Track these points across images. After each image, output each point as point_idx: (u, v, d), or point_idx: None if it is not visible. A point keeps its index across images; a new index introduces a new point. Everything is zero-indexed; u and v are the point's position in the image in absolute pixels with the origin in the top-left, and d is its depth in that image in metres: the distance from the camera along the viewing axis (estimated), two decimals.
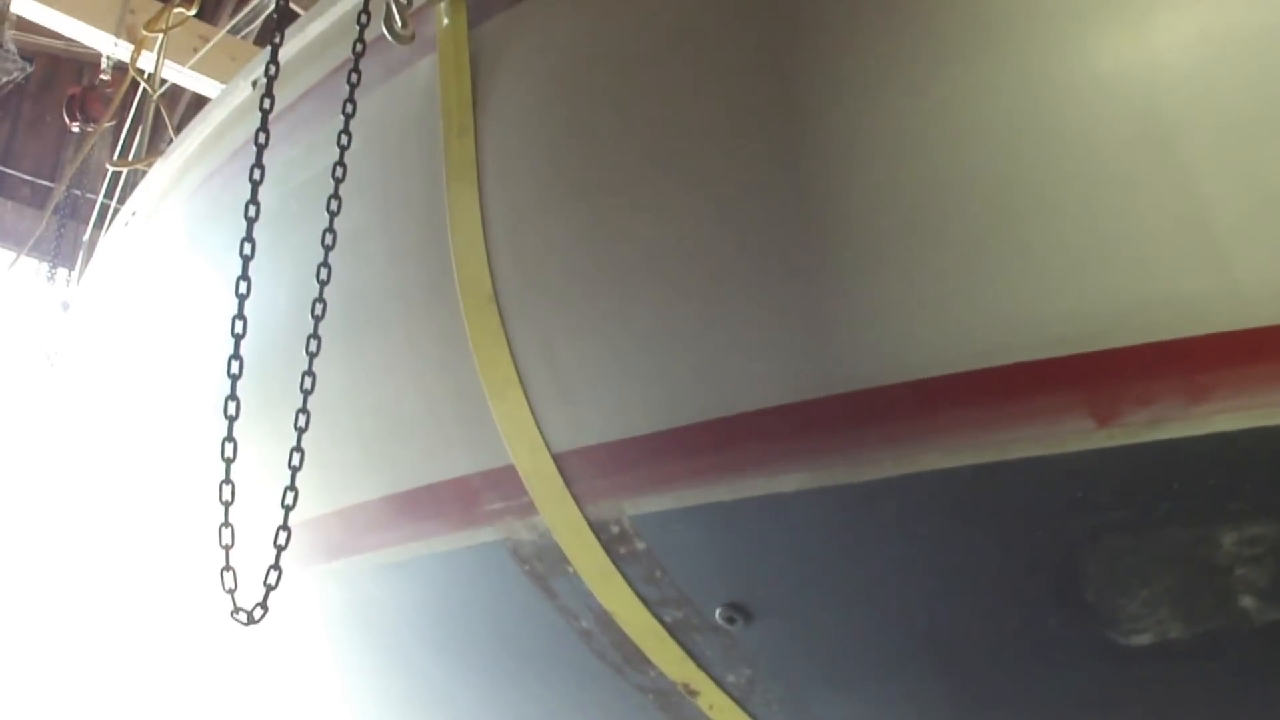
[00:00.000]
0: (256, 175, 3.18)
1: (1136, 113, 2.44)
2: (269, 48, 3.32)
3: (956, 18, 2.60)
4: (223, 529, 3.20)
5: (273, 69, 3.27)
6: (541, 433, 3.40)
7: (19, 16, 9.18)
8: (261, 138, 3.22)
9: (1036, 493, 2.74)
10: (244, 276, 3.15)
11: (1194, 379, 2.50)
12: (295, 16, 4.43)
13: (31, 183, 15.35)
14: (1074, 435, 2.62)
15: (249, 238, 3.15)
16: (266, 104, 3.24)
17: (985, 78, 2.56)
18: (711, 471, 3.15)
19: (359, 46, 3.35)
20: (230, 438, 3.16)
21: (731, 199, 2.91)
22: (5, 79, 10.22)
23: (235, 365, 3.15)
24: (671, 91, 3.04)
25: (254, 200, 3.17)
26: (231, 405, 3.15)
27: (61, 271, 10.61)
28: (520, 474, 3.48)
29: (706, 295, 2.98)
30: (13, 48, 9.80)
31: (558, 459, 3.41)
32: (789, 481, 3.02)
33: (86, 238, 9.60)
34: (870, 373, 2.80)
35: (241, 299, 3.14)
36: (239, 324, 3.15)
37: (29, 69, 10.85)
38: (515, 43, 3.44)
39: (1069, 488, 2.69)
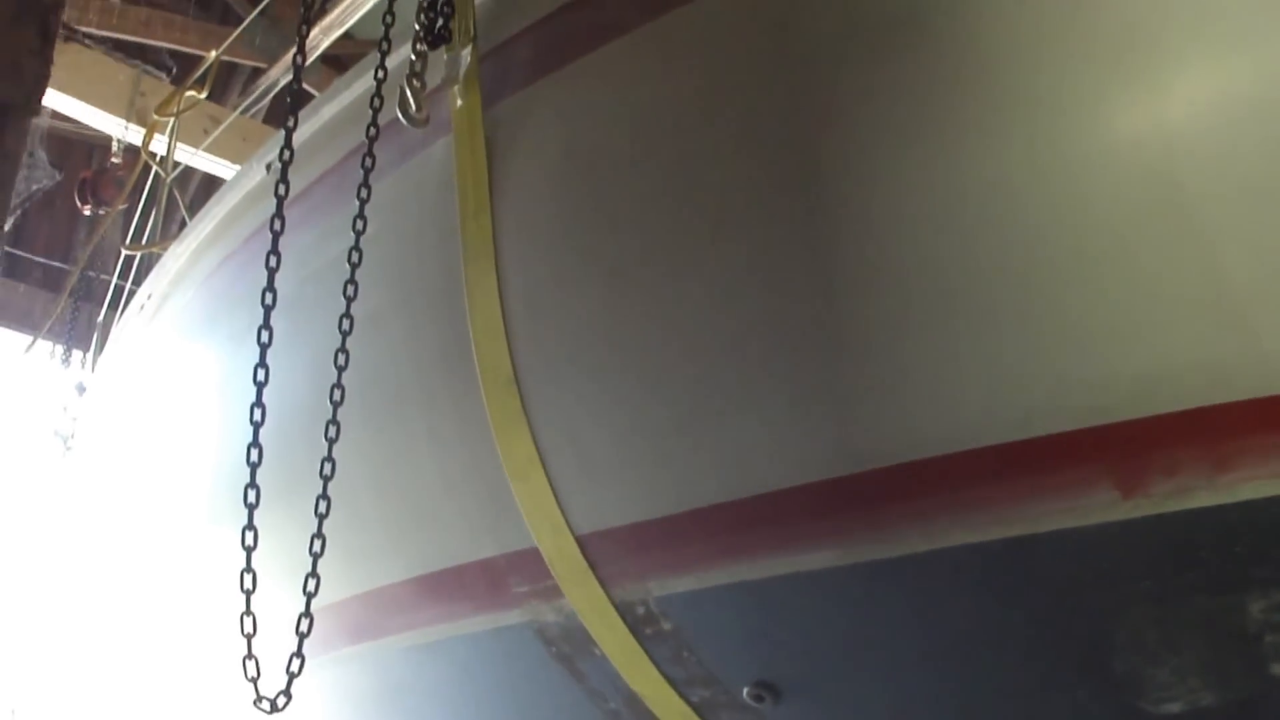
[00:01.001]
0: (273, 263, 3.18)
1: (1154, 181, 2.43)
2: (283, 133, 3.32)
3: (972, 91, 2.61)
4: (244, 618, 3.18)
5: (287, 154, 3.28)
6: (564, 515, 3.38)
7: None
8: (277, 224, 3.22)
9: (1064, 565, 2.72)
10: (262, 364, 3.15)
11: (1219, 447, 2.48)
12: (307, 96, 4.44)
13: (44, 265, 15.37)
14: (1100, 507, 2.60)
15: (266, 325, 3.15)
16: (281, 190, 3.23)
17: (1002, 150, 2.56)
18: (738, 550, 3.13)
19: (373, 131, 3.36)
20: (251, 526, 3.14)
21: (751, 277, 2.91)
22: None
23: (255, 454, 3.13)
24: (689, 171, 3.05)
25: (270, 288, 3.16)
26: (252, 493, 3.12)
27: (76, 353, 10.60)
28: (544, 556, 3.46)
29: (729, 374, 2.98)
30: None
31: (581, 541, 3.39)
32: (816, 559, 3.00)
33: (100, 319, 9.60)
34: (896, 449, 2.79)
35: (260, 387, 3.14)
36: (258, 412, 3.14)
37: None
38: (530, 123, 3.46)
39: (1096, 559, 2.68)
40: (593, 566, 3.39)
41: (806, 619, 3.12)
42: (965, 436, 2.70)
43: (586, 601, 3.44)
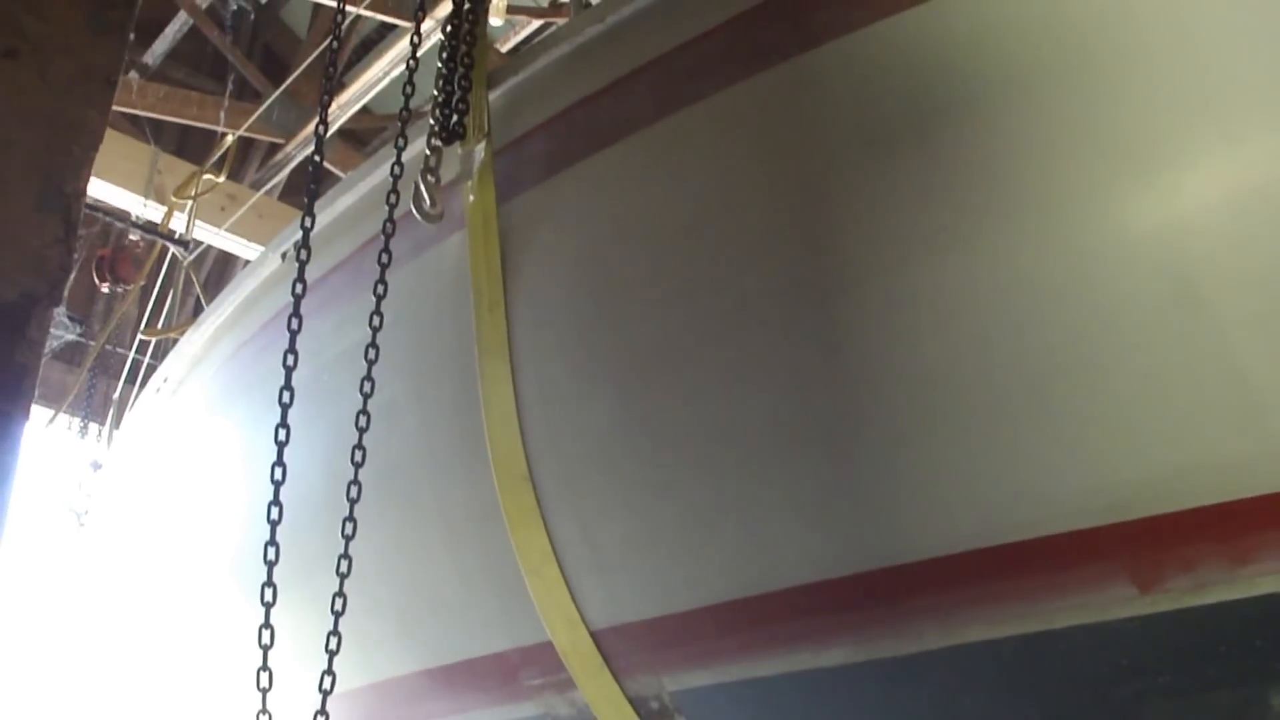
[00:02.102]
0: (290, 361, 3.13)
1: (1168, 278, 2.43)
2: (301, 232, 3.31)
3: (986, 190, 2.62)
4: (260, 716, 3.13)
5: (305, 254, 3.24)
6: (579, 610, 3.37)
7: None
8: (295, 323, 3.16)
9: (1082, 660, 2.71)
10: (279, 463, 3.07)
11: (1237, 542, 2.47)
12: (327, 178, 4.44)
13: (59, 337, 15.37)
14: (1117, 602, 2.59)
15: (284, 423, 3.10)
16: (299, 289, 3.18)
17: (1016, 249, 2.57)
18: (753, 647, 3.12)
19: (389, 227, 3.33)
20: (267, 624, 3.08)
21: (766, 375, 2.92)
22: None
23: (272, 552, 3.05)
24: (702, 270, 3.05)
25: (288, 386, 3.10)
26: (269, 592, 3.05)
27: (92, 426, 10.52)
28: (558, 650, 3.45)
29: (744, 473, 2.98)
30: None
31: (596, 636, 3.38)
32: (832, 655, 2.99)
33: (117, 395, 9.58)
34: (912, 547, 2.79)
35: (277, 486, 3.06)
36: (274, 510, 3.06)
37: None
38: (544, 219, 3.47)
39: (1114, 654, 2.66)
40: (607, 660, 3.38)
41: (822, 716, 3.10)
42: (981, 534, 2.70)
43: (601, 695, 3.43)
